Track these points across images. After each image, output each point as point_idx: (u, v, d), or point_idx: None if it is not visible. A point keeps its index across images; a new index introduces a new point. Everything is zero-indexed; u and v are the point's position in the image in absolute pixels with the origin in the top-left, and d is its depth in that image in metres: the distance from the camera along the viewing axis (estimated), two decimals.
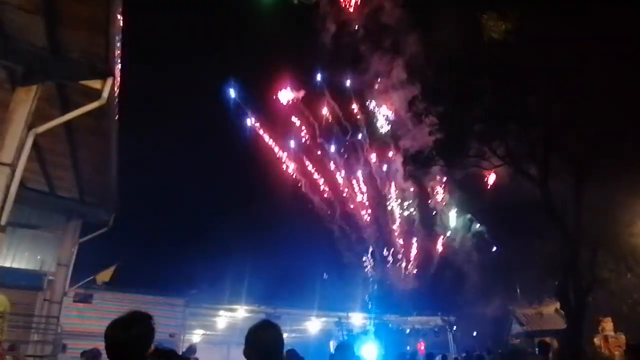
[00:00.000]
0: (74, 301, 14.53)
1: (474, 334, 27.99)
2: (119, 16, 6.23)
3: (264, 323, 2.77)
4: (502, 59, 11.39)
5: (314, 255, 31.69)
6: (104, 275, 13.14)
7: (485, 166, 13.89)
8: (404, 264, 36.90)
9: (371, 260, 37.21)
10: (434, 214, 35.87)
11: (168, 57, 34.24)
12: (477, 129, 12.58)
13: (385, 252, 38.11)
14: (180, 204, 33.78)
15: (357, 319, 23.46)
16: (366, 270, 35.40)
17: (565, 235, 11.87)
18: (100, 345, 2.91)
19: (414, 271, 36.11)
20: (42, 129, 6.75)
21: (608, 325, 17.96)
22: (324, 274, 30.73)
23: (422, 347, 27.70)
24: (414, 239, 37.82)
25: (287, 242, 33.12)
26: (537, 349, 8.62)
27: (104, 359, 2.87)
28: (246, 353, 2.66)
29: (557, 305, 16.03)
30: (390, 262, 38.02)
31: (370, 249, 37.61)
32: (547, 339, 13.68)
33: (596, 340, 18.06)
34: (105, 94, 6.95)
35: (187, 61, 36.23)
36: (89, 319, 13.67)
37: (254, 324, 2.76)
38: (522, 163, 12.95)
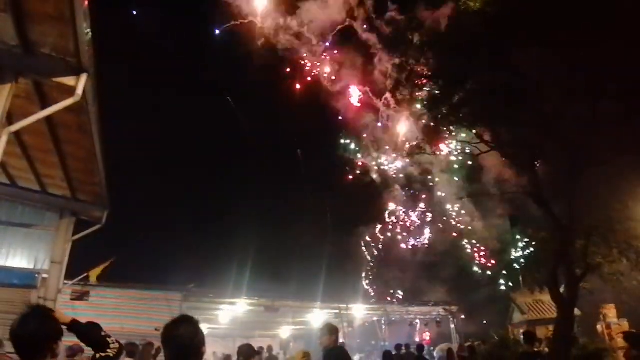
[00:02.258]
0: (71, 299, 14.69)
1: (479, 322, 27.96)
2: (85, 10, 6.19)
3: (179, 318, 2.66)
4: (486, 33, 11.12)
5: (315, 247, 31.74)
6: (96, 272, 13.23)
7: (473, 152, 13.73)
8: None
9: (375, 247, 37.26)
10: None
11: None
12: (464, 112, 12.39)
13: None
14: (177, 200, 34.06)
15: (358, 310, 23.43)
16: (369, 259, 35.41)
17: (553, 222, 11.71)
18: None
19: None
20: (15, 127, 6.77)
21: (611, 312, 17.85)
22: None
23: (428, 338, 27.78)
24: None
25: (286, 234, 33.27)
26: (522, 338, 8.55)
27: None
28: (164, 353, 2.55)
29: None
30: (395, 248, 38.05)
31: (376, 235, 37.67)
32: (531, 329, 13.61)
33: (599, 328, 17.97)
34: (79, 91, 6.93)
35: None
36: (85, 316, 13.65)
37: (173, 319, 2.65)
38: (510, 148, 12.76)
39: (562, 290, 12.15)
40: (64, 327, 2.79)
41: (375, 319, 26.25)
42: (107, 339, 3.12)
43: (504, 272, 23.92)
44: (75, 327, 2.96)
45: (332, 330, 6.01)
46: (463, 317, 26.05)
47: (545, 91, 11.64)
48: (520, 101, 11.69)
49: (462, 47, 11.40)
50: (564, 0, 10.57)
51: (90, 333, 3.13)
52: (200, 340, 2.64)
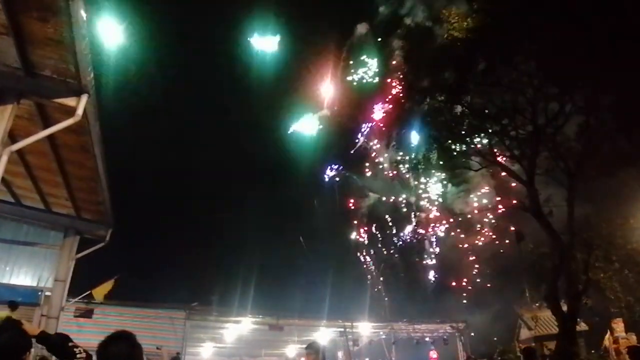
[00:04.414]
0: (75, 316, 14.79)
1: (488, 339, 27.51)
2: (84, 34, 6.42)
3: (114, 335, 2.55)
4: (480, 50, 11.26)
5: (319, 264, 31.58)
6: (101, 290, 13.32)
7: (472, 166, 13.76)
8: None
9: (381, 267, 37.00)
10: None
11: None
12: (462, 128, 12.47)
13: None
14: (181, 218, 34.17)
15: (364, 328, 23.22)
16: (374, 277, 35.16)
17: (552, 236, 11.65)
18: None
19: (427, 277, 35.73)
20: (16, 146, 6.96)
21: (619, 326, 17.53)
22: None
23: (435, 356, 27.31)
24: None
25: (290, 253, 33.18)
26: (521, 356, 8.47)
27: None
28: None
29: (565, 307, 15.76)
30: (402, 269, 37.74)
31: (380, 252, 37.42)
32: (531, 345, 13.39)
33: (607, 342, 17.66)
34: (79, 111, 7.13)
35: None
36: (89, 333, 13.74)
37: (106, 336, 2.54)
38: (508, 162, 12.79)
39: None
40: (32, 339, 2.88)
41: (383, 336, 25.95)
42: (75, 349, 3.15)
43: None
44: (43, 338, 3.04)
45: (313, 348, 6.20)
46: (472, 334, 25.72)
47: (539, 104, 11.72)
48: (514, 113, 11.80)
49: (455, 63, 11.56)
50: (542, 18, 10.70)
51: (58, 344, 3.18)
52: (137, 357, 2.55)
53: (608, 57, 10.16)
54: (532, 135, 11.95)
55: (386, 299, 35.27)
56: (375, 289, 35.00)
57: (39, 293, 11.80)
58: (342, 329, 22.03)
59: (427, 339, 26.77)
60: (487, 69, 11.35)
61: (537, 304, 17.75)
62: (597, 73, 10.30)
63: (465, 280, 31.79)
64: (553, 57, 10.62)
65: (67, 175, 10.21)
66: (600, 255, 12.03)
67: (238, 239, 33.78)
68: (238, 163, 38.16)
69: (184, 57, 36.48)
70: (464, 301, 29.95)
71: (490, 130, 12.31)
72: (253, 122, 38.13)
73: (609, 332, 17.45)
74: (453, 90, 11.76)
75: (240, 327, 19.90)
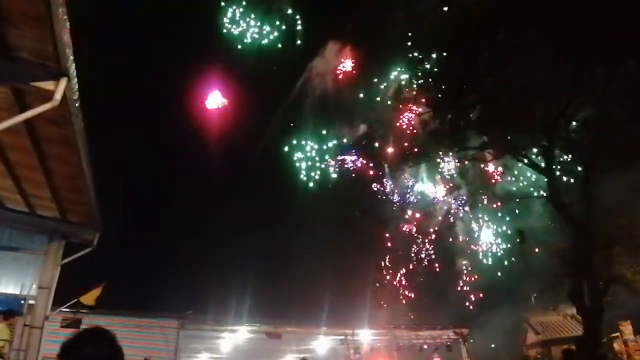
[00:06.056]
0: (61, 326, 14.04)
1: (492, 346, 26.95)
2: (63, 9, 5.84)
3: (90, 334, 2.03)
4: (495, 33, 10.78)
5: (318, 269, 30.74)
6: (89, 297, 12.61)
7: (484, 157, 13.20)
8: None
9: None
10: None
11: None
12: (474, 116, 11.93)
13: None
14: (173, 221, 33.24)
15: (365, 335, 22.54)
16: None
17: (576, 230, 11.09)
18: None
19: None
20: None
21: (627, 328, 17.08)
22: None
23: None
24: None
25: (287, 258, 32.38)
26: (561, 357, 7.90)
27: None
28: None
29: (574, 310, 15.15)
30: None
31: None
32: (570, 347, 12.81)
33: (616, 345, 17.17)
34: (58, 95, 6.53)
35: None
36: None
37: (76, 334, 2.01)
38: (525, 152, 12.20)
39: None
40: None
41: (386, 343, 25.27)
42: None
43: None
44: None
45: None
46: (472, 340, 25.10)
47: (551, 92, 11.21)
48: (527, 103, 11.26)
49: (465, 42, 11.02)
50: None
51: None
52: None
53: (621, 45, 9.72)
54: (548, 123, 11.40)
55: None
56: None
57: (22, 301, 11.10)
58: (342, 337, 21.39)
59: (425, 346, 26.11)
60: (497, 50, 10.84)
61: (543, 308, 17.14)
62: (611, 59, 9.86)
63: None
64: (564, 40, 10.16)
65: (51, 173, 9.59)
66: (623, 251, 11.45)
67: (235, 243, 32.82)
68: (235, 162, 36.93)
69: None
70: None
71: (504, 118, 11.69)
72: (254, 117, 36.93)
73: (619, 334, 16.98)
74: (465, 76, 11.19)
75: (237, 336, 19.18)
